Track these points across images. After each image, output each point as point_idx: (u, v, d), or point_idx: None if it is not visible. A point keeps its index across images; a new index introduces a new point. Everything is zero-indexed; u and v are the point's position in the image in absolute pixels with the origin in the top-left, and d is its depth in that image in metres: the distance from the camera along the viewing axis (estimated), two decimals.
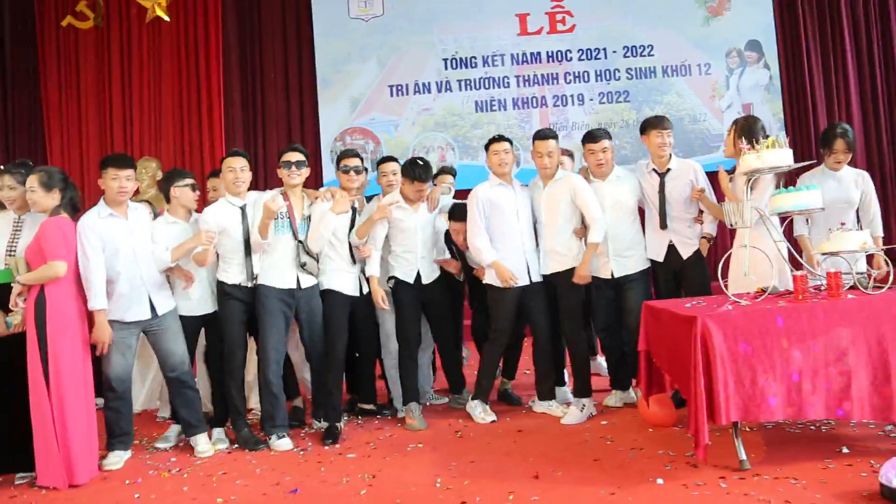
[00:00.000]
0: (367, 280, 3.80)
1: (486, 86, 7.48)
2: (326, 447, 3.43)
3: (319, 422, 3.79)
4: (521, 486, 2.64)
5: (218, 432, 3.67)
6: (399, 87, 7.51)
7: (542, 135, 3.71)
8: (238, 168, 3.65)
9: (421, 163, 3.85)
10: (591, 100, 7.46)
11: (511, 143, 3.81)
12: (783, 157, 2.76)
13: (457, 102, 7.49)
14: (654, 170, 3.74)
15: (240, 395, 3.67)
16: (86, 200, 6.47)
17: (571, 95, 7.47)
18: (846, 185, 3.43)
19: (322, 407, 3.77)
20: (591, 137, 3.72)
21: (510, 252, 3.66)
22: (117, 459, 3.37)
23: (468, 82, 7.49)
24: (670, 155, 3.73)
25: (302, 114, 7.66)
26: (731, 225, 2.99)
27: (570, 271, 3.59)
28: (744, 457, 2.63)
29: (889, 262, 2.78)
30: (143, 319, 3.41)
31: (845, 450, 2.77)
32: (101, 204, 3.37)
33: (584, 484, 2.63)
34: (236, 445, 3.56)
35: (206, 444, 3.52)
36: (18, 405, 3.15)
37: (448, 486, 2.72)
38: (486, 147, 3.81)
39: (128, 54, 7.54)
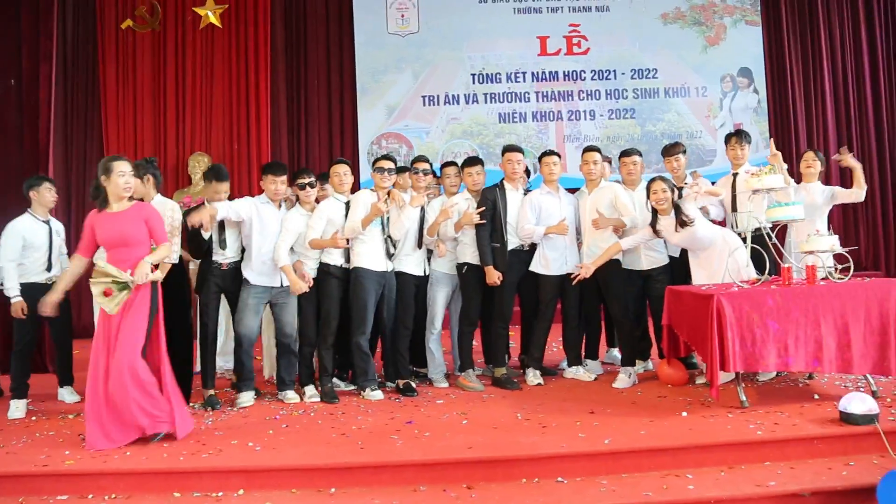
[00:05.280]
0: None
1: (509, 99, 8.38)
2: (412, 396, 4.32)
3: (393, 382, 4.60)
4: (583, 418, 3.60)
5: (310, 389, 4.49)
6: (431, 98, 8.37)
7: (590, 147, 4.63)
8: (342, 173, 4.54)
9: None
10: (602, 116, 8.40)
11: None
12: (777, 180, 3.76)
13: (482, 113, 8.36)
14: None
15: (328, 357, 4.50)
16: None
17: (584, 111, 8.41)
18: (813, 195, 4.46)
19: (394, 366, 4.59)
20: (626, 153, 4.67)
21: (554, 246, 4.54)
22: (248, 398, 4.29)
23: (493, 96, 8.37)
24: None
25: (342, 117, 8.40)
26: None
27: (610, 263, 4.45)
28: (744, 398, 3.63)
29: (850, 257, 3.77)
30: (274, 286, 4.35)
31: (816, 396, 3.78)
32: (263, 196, 4.41)
33: (630, 416, 3.59)
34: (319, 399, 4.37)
35: (294, 395, 4.42)
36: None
37: (528, 419, 3.66)
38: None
39: (182, 56, 8.10)
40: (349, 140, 8.42)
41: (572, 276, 4.46)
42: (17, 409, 4.35)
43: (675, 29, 8.42)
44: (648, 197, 4.26)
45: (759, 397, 3.80)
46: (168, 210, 4.07)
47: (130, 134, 8.15)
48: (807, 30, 8.48)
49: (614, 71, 8.41)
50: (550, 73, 8.39)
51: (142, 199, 4.09)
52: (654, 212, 4.25)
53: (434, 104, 8.36)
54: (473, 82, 8.37)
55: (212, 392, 4.36)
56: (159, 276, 3.71)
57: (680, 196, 4.24)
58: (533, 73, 8.38)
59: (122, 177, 3.55)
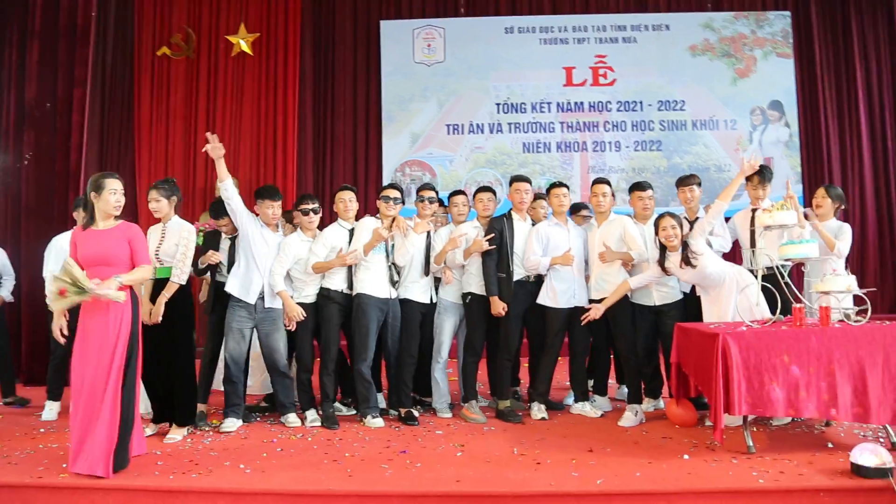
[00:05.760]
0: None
1: (534, 129, 8.35)
2: (413, 426, 4.25)
3: (396, 410, 4.54)
4: (580, 455, 3.48)
5: (311, 413, 4.44)
6: (455, 126, 8.40)
7: (599, 180, 4.58)
8: (347, 199, 4.58)
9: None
10: (627, 147, 8.31)
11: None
12: (789, 217, 3.62)
13: (506, 143, 8.35)
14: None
15: (329, 382, 4.47)
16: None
17: (609, 142, 8.33)
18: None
19: (397, 395, 4.54)
20: (639, 186, 4.58)
21: (562, 279, 4.46)
22: (231, 424, 4.24)
23: (517, 125, 8.36)
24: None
25: (367, 144, 8.51)
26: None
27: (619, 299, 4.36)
28: (751, 443, 3.45)
29: (867, 299, 3.56)
30: (252, 305, 4.32)
31: (830, 445, 3.58)
32: (261, 221, 4.40)
33: (629, 456, 3.45)
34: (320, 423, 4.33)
35: (295, 419, 4.39)
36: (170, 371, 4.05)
37: (523, 454, 3.55)
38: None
39: (214, 83, 8.33)
40: (374, 167, 8.49)
41: (581, 317, 4.37)
42: (51, 410, 4.73)
43: (703, 61, 8.31)
44: (657, 233, 4.15)
45: (770, 443, 3.61)
46: (185, 232, 4.12)
47: (162, 156, 8.38)
48: (841, 62, 8.29)
49: (641, 102, 8.33)
50: (576, 103, 8.35)
51: (160, 220, 4.21)
52: (663, 248, 4.14)
53: (458, 133, 8.39)
54: (498, 112, 8.38)
55: (203, 409, 4.40)
56: (122, 296, 3.37)
57: (691, 228, 4.13)
58: (558, 104, 8.36)
59: (113, 194, 3.44)
